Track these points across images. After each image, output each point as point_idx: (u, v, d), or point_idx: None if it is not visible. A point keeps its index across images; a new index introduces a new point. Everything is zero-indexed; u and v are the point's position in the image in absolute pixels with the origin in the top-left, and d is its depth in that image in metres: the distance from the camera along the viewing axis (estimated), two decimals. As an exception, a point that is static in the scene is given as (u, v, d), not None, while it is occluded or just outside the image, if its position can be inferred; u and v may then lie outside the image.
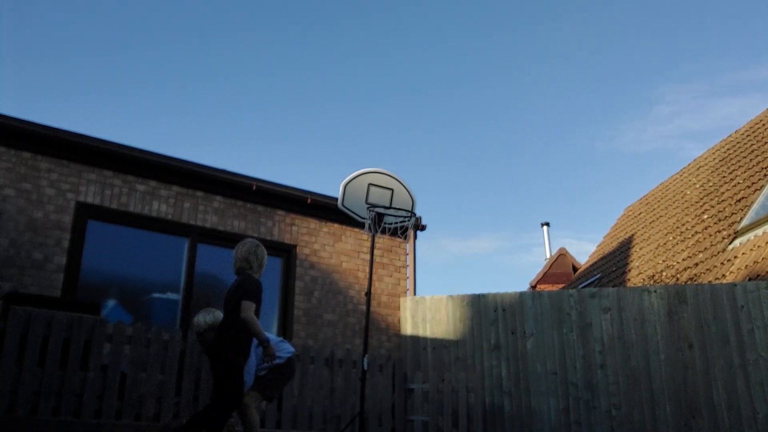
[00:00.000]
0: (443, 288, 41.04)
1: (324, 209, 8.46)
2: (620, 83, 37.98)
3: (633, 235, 14.05)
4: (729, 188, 11.30)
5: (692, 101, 36.23)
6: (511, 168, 42.82)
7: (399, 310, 8.70)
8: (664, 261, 11.22)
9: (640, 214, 15.06)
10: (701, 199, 12.13)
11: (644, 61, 36.93)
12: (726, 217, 10.39)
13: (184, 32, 36.46)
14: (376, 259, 8.74)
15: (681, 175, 14.52)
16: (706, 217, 11.20)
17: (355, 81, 41.48)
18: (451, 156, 43.37)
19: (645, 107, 38.17)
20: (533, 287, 17.92)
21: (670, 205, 13.47)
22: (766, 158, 10.89)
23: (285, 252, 8.24)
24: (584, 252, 41.20)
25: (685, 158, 38.73)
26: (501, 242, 40.88)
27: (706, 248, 10.17)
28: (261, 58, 39.52)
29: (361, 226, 6.89)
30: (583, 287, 12.80)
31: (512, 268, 41.15)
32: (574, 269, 17.90)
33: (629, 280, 11.94)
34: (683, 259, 10.54)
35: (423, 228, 9.33)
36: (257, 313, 4.28)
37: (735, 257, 9.03)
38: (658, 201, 14.50)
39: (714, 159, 13.38)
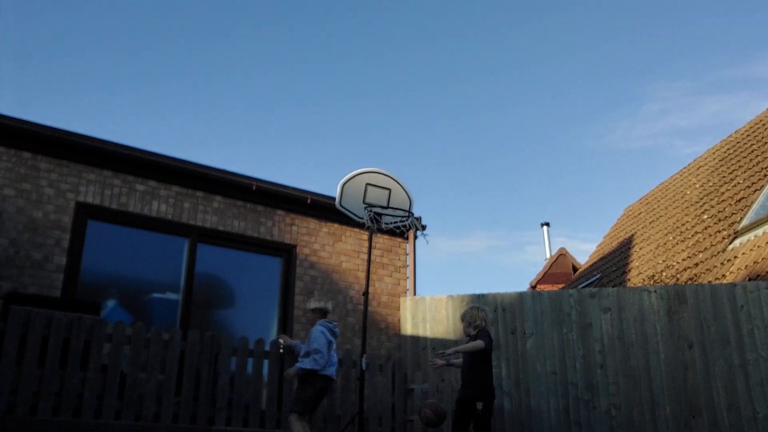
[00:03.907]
0: (437, 287, 41.00)
1: (324, 209, 8.45)
2: (609, 81, 38.00)
3: (633, 235, 14.05)
4: (729, 188, 11.30)
5: (681, 99, 36.25)
6: (503, 166, 42.84)
7: (399, 310, 8.70)
8: (664, 261, 11.22)
9: (640, 214, 15.06)
10: (701, 199, 12.13)
11: (633, 58, 36.95)
12: (726, 217, 10.39)
13: (184, 32, 36.48)
14: (376, 259, 8.75)
15: (681, 175, 14.52)
16: (706, 217, 11.19)
17: (354, 81, 41.51)
18: (442, 155, 43.39)
19: (634, 105, 38.19)
20: (533, 287, 17.92)
21: (670, 205, 13.47)
22: (766, 158, 10.89)
23: (285, 252, 8.25)
24: (584, 252, 41.19)
25: (674, 156, 38.75)
26: (494, 241, 40.86)
27: (706, 248, 10.17)
28: (260, 58, 39.56)
29: (361, 225, 6.89)
30: (583, 287, 12.80)
31: (507, 268, 41.15)
32: (574, 269, 17.90)
33: (629, 280, 11.94)
34: (683, 259, 10.54)
35: (423, 228, 9.32)
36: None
37: (735, 257, 9.03)
38: (658, 201, 14.50)
39: (714, 159, 13.38)
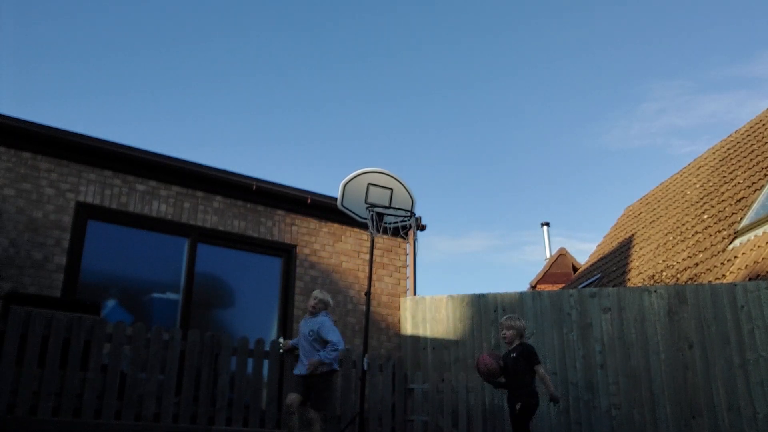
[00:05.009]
0: (437, 287, 41.06)
1: (324, 209, 8.45)
2: (606, 81, 38.00)
3: (633, 235, 14.05)
4: (729, 188, 11.30)
5: (678, 98, 36.25)
6: (501, 166, 42.83)
7: (399, 310, 8.69)
8: (664, 261, 11.21)
9: (640, 214, 15.06)
10: (701, 199, 12.13)
11: (630, 58, 36.95)
12: (726, 217, 10.39)
13: (186, 34, 36.47)
14: (376, 259, 8.74)
15: (681, 175, 14.51)
16: (706, 217, 11.19)
17: (354, 83, 41.52)
18: (440, 155, 43.38)
19: (631, 104, 38.20)
20: (533, 287, 17.92)
21: (671, 205, 13.47)
22: (766, 158, 10.89)
23: (285, 252, 8.24)
24: (584, 252, 41.18)
25: (672, 156, 38.77)
26: (493, 241, 40.86)
27: (706, 248, 10.16)
28: (261, 59, 39.54)
29: (361, 225, 6.89)
30: (583, 287, 12.80)
31: (506, 268, 41.15)
32: (574, 269, 17.90)
33: (629, 280, 11.93)
34: (683, 259, 10.54)
35: (423, 228, 9.33)
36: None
37: (735, 257, 9.02)
38: (658, 201, 14.49)
39: (714, 159, 13.37)
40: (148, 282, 7.46)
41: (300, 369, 5.67)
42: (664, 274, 10.71)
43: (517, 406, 5.26)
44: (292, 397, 5.56)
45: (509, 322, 5.61)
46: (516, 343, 5.54)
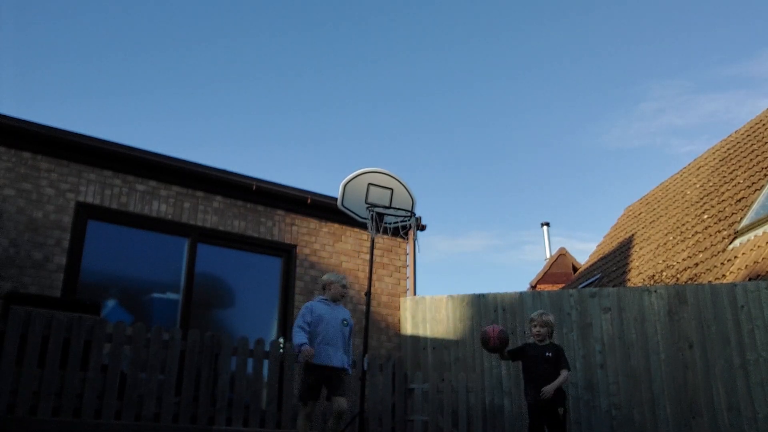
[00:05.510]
0: (436, 287, 41.11)
1: (324, 209, 8.45)
2: (605, 80, 38.00)
3: (633, 235, 14.04)
4: (729, 188, 11.29)
5: (677, 97, 36.24)
6: (500, 166, 42.83)
7: (399, 310, 8.69)
8: (664, 261, 11.21)
9: (640, 214, 15.05)
10: (701, 199, 12.12)
11: (629, 57, 36.95)
12: (726, 217, 10.39)
13: (186, 34, 36.47)
14: (376, 259, 8.73)
15: (681, 175, 14.51)
16: (706, 217, 11.19)
17: (354, 84, 41.52)
18: (440, 155, 43.39)
19: (630, 104, 38.19)
20: (533, 287, 17.91)
21: (671, 205, 13.46)
22: (766, 158, 10.89)
23: (285, 252, 8.24)
24: (584, 252, 41.18)
25: (671, 155, 38.78)
26: (492, 241, 40.88)
27: (706, 248, 10.16)
28: (262, 60, 39.55)
29: (361, 225, 6.88)
30: (583, 287, 12.79)
31: (505, 267, 41.16)
32: (574, 269, 17.90)
33: (629, 280, 11.93)
34: (683, 259, 10.54)
35: (423, 228, 9.32)
36: None
37: (735, 257, 9.02)
38: (658, 201, 14.49)
39: (714, 159, 13.37)
40: (148, 282, 7.46)
41: (332, 359, 5.17)
42: (664, 274, 10.71)
43: (560, 411, 5.22)
44: (313, 407, 5.19)
45: (544, 318, 5.45)
46: (547, 341, 5.46)
